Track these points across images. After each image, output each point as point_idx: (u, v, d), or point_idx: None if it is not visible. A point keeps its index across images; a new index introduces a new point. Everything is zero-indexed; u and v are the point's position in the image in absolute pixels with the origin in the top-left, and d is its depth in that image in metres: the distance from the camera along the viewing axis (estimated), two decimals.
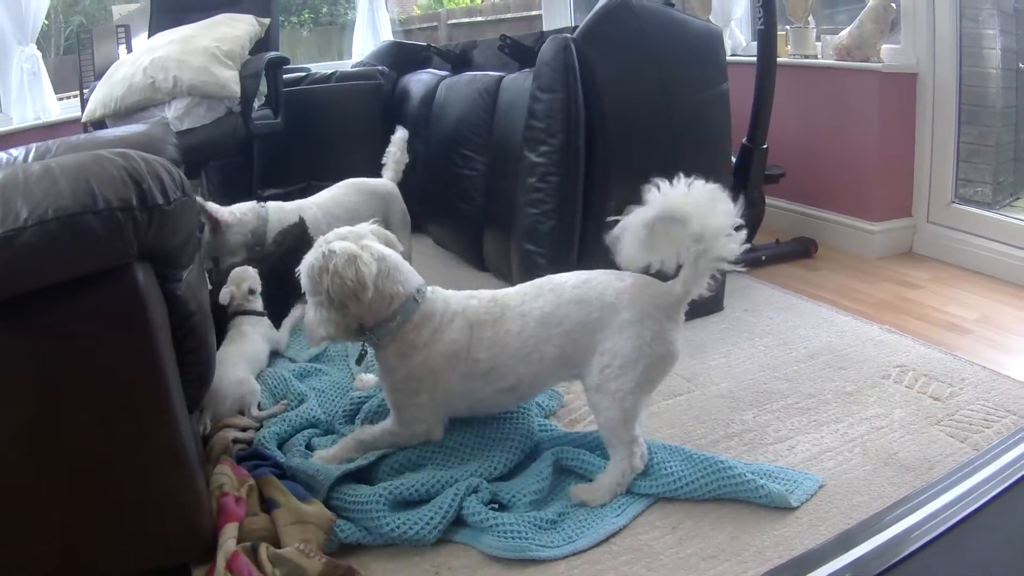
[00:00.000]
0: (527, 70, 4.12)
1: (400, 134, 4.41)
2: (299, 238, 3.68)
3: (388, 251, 2.70)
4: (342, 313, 2.61)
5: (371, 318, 2.66)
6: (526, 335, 2.67)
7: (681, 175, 2.48)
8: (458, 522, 2.47)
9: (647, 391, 2.63)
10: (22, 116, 5.88)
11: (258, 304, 3.48)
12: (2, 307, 1.88)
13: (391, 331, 2.68)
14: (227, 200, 5.37)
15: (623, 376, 2.56)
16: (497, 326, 2.68)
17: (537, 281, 2.77)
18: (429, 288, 2.77)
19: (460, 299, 2.76)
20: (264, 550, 2.26)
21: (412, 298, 2.69)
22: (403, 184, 4.43)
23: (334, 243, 2.58)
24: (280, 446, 2.86)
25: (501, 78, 4.59)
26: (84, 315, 1.96)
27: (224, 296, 3.40)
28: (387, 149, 4.41)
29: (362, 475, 2.66)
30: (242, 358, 3.20)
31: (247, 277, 3.48)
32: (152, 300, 2.02)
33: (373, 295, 2.58)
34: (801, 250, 4.87)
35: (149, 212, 1.91)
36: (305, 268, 2.60)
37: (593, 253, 3.42)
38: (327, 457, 2.72)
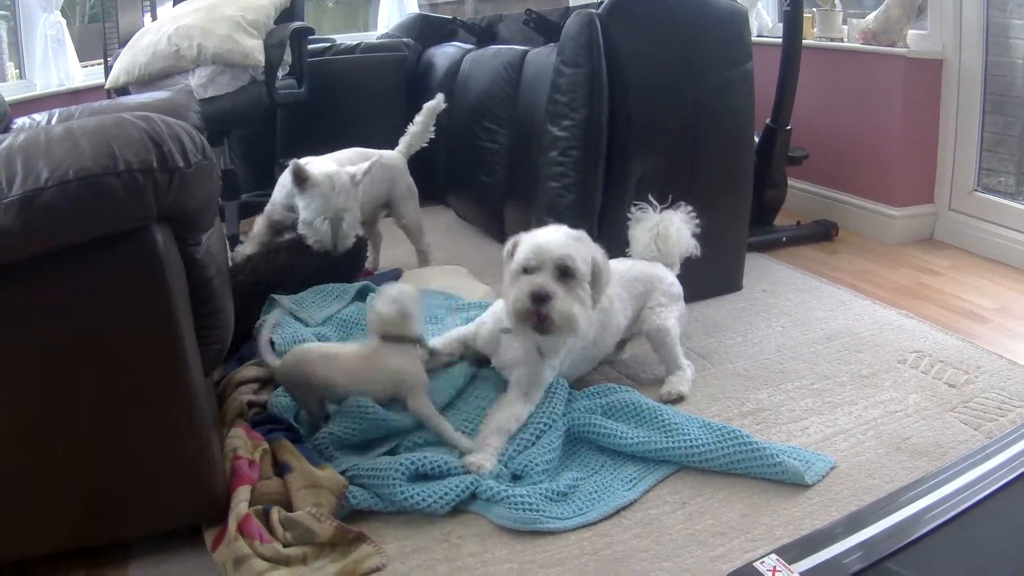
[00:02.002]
0: (552, 44, 4.11)
1: (434, 102, 4.32)
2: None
3: None
4: None
5: None
6: (613, 311, 3.09)
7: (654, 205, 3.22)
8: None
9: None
10: (46, 82, 5.87)
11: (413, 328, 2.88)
12: (21, 267, 1.89)
13: None
14: (250, 170, 5.40)
15: (672, 315, 3.18)
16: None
17: None
18: None
19: None
20: (276, 513, 2.28)
21: None
22: (425, 157, 4.39)
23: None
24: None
25: (526, 52, 4.61)
26: (102, 276, 1.96)
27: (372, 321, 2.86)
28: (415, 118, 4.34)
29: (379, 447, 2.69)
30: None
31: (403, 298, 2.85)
32: (170, 262, 2.02)
33: None
34: (822, 233, 4.86)
35: (169, 174, 1.92)
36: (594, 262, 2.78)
37: (613, 227, 3.45)
38: (485, 462, 2.60)
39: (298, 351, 2.82)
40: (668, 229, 3.24)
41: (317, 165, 3.73)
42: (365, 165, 3.75)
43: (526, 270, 2.69)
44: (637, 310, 3.18)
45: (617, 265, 3.13)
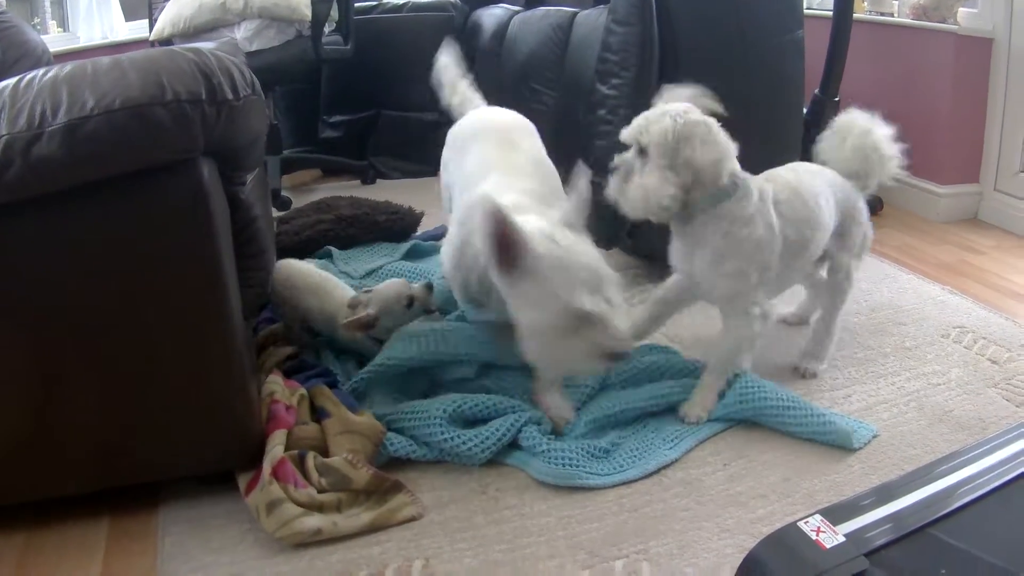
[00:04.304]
0: (602, 7, 4.08)
1: (443, 59, 3.69)
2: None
3: (712, 121, 2.58)
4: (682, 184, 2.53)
5: (700, 192, 2.56)
6: (813, 206, 2.74)
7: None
8: (511, 444, 2.47)
9: None
10: (89, 35, 5.89)
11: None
12: (65, 197, 1.88)
13: (719, 204, 2.57)
14: (293, 125, 5.38)
15: (858, 257, 3.00)
16: (793, 202, 2.72)
17: (781, 169, 2.89)
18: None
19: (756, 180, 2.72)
20: (312, 459, 2.27)
21: (737, 172, 2.60)
22: None
23: (686, 112, 2.52)
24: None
25: (575, 14, 4.56)
26: (146, 208, 1.96)
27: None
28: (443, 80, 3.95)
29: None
30: None
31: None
32: (215, 198, 2.01)
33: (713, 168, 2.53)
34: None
35: (218, 107, 1.91)
36: (658, 133, 2.49)
37: None
38: (698, 410, 2.67)
39: (288, 267, 2.88)
40: (879, 140, 3.00)
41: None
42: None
43: None
44: (841, 215, 2.90)
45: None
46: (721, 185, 2.55)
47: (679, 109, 2.50)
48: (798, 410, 2.57)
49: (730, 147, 2.58)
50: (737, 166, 2.60)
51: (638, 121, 2.56)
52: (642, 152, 2.53)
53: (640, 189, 2.54)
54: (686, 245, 2.68)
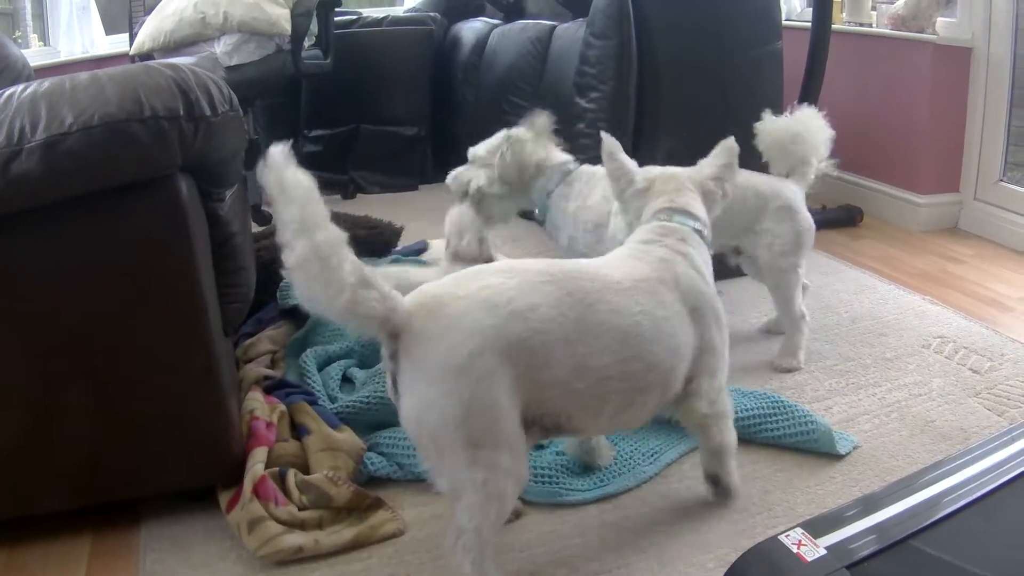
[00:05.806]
0: (580, 20, 4.10)
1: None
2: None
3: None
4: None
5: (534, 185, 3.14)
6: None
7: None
8: None
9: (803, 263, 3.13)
10: (70, 50, 5.87)
11: None
12: (43, 213, 1.88)
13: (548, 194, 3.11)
14: (273, 140, 5.35)
15: (789, 253, 3.05)
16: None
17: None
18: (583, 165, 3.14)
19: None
20: (292, 476, 2.27)
21: (564, 167, 3.11)
22: (450, 131, 4.38)
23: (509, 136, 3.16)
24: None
25: (554, 27, 4.59)
26: (125, 225, 1.96)
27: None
28: None
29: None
30: None
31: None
32: (194, 214, 2.02)
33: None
34: (847, 218, 4.81)
35: (195, 123, 1.91)
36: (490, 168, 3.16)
37: None
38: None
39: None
40: (807, 126, 3.16)
41: None
42: None
43: None
44: (732, 222, 2.97)
45: None
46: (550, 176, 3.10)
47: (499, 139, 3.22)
48: (780, 417, 2.58)
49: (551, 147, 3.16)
50: (562, 159, 3.13)
51: (451, 178, 3.28)
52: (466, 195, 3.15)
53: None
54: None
